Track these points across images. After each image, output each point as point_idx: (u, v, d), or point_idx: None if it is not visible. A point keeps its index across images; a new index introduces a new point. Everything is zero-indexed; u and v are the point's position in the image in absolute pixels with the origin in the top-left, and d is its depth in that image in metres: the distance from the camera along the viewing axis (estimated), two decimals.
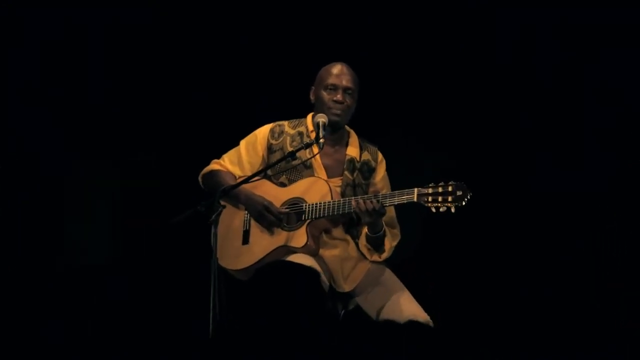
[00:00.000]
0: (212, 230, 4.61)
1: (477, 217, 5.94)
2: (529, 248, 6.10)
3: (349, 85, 5.04)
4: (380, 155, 5.19)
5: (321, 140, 4.83)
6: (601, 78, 6.00)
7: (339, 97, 5.00)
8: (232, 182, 4.97)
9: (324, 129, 4.89)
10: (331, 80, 5.02)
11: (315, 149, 4.92)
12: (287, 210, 4.97)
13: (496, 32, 6.15)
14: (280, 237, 4.93)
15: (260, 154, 5.13)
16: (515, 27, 6.09)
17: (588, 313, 5.94)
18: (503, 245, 6.12)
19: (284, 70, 6.38)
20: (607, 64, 5.98)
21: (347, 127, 5.17)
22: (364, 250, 5.04)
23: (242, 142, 5.19)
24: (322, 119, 4.93)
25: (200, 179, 5.21)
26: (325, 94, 5.03)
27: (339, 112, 5.00)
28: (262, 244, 4.93)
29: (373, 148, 5.18)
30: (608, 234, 5.99)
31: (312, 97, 5.12)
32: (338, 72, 5.04)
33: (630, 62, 5.93)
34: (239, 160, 5.14)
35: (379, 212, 4.80)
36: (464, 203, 4.60)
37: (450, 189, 4.63)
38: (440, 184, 4.66)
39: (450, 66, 6.25)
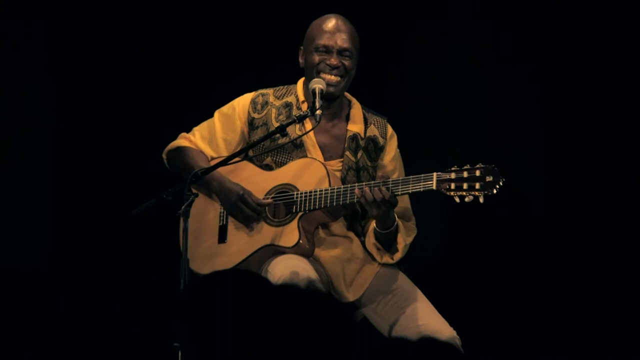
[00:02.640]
0: (182, 224, 3.44)
1: (478, 217, 5.20)
2: (528, 248, 5.26)
3: (346, 45, 3.79)
4: (390, 129, 3.96)
5: (318, 112, 3.64)
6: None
7: (333, 61, 3.76)
8: (205, 164, 3.82)
9: (322, 98, 3.71)
10: (323, 41, 3.79)
11: (309, 124, 3.76)
12: (271, 200, 3.81)
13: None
14: (265, 235, 3.79)
15: (239, 130, 3.91)
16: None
17: (588, 313, 5.19)
18: (502, 245, 5.28)
19: (266, 26, 5.07)
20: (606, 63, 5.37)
21: (348, 96, 3.96)
22: (372, 250, 3.87)
23: (217, 114, 3.95)
24: (318, 84, 3.72)
25: (164, 156, 4.00)
26: (315, 57, 3.80)
27: (333, 79, 3.78)
28: (243, 243, 3.82)
29: (381, 120, 3.97)
30: (608, 234, 5.29)
31: (301, 60, 3.90)
32: (332, 29, 3.80)
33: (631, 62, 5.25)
34: (212, 136, 3.94)
35: (390, 203, 3.63)
36: (495, 191, 3.52)
37: (477, 173, 3.55)
38: (465, 167, 3.58)
39: None
